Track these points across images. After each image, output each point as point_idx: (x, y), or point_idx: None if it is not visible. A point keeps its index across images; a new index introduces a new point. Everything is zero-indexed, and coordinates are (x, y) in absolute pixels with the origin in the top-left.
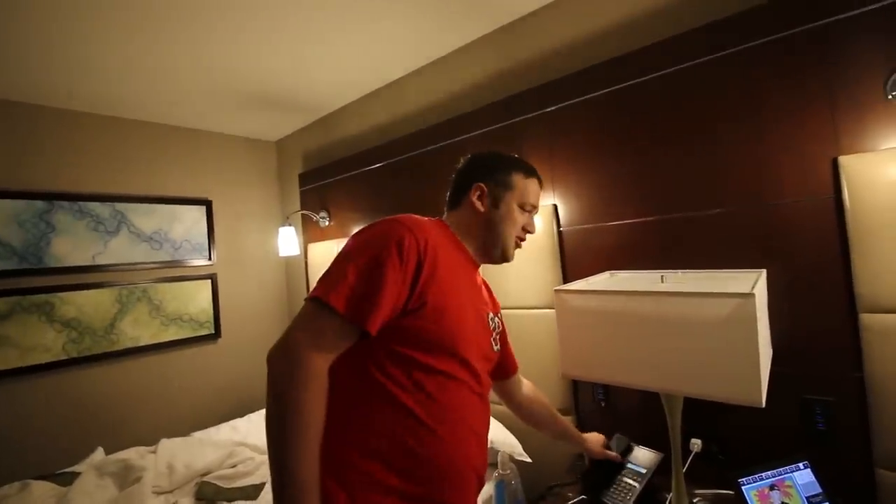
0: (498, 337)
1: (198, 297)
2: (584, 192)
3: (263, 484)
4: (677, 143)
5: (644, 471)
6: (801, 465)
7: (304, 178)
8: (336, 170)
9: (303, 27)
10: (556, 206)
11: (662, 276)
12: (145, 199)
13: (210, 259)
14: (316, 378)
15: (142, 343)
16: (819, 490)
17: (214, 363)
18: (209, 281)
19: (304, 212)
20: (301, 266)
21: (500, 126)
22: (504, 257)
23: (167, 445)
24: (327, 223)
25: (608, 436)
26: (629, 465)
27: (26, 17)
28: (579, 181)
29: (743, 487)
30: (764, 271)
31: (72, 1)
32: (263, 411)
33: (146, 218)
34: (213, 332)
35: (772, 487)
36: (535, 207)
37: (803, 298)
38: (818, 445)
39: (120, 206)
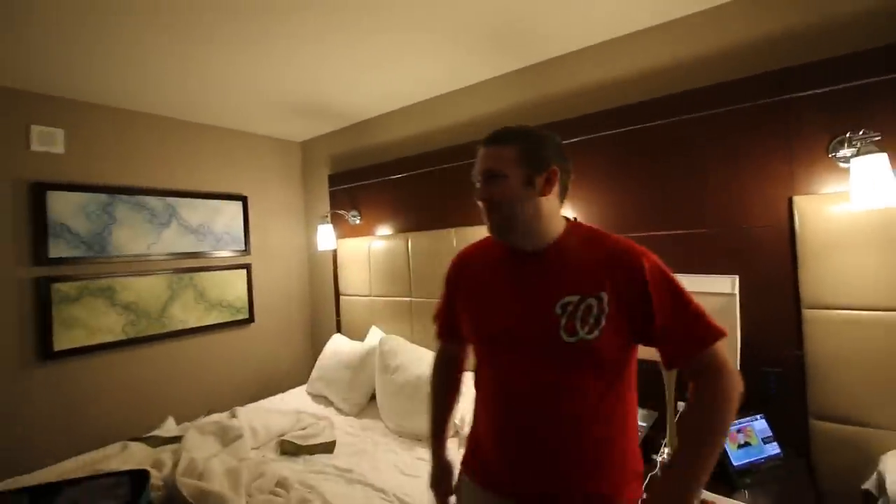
0: (575, 321)
1: (235, 285)
2: (597, 210)
3: (334, 441)
4: (673, 178)
5: (644, 424)
6: (757, 416)
7: (334, 179)
8: (368, 174)
9: (348, 50)
10: (575, 219)
11: None
12: (191, 193)
13: (246, 250)
14: None
15: (189, 326)
16: (770, 433)
17: (249, 345)
18: (245, 270)
19: (338, 211)
20: (323, 260)
21: None
22: (490, 232)
23: (244, 412)
24: (358, 221)
25: None
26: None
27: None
28: (594, 201)
29: None
30: (737, 276)
31: (142, 14)
32: (298, 388)
33: (193, 211)
34: (248, 317)
35: (738, 430)
36: (473, 176)
37: (763, 297)
38: (771, 403)
39: (171, 199)
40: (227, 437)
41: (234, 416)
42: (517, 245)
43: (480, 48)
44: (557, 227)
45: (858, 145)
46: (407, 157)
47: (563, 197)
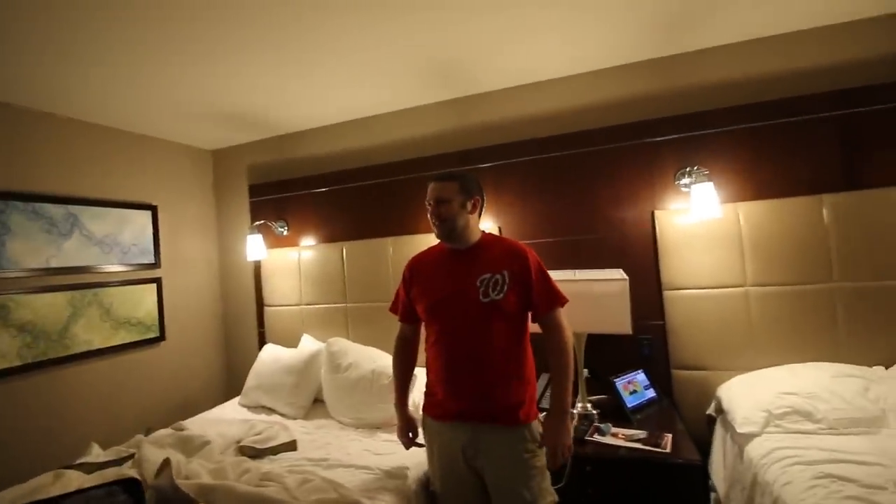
0: (489, 289)
1: (145, 300)
2: (518, 220)
3: (294, 440)
4: (571, 196)
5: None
6: (640, 371)
7: (256, 190)
8: (299, 185)
9: (275, 63)
10: (500, 229)
11: (575, 272)
12: (96, 202)
13: (156, 263)
14: None
15: (94, 347)
16: (648, 383)
17: (161, 364)
18: (155, 285)
19: (266, 222)
20: (239, 272)
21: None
22: (438, 237)
23: (191, 424)
24: (285, 232)
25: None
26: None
27: None
28: (517, 212)
29: (616, 382)
30: (621, 270)
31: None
32: (229, 403)
33: (98, 221)
34: (159, 334)
35: (629, 382)
36: (427, 201)
37: (636, 283)
38: (646, 362)
39: (73, 208)
40: (192, 446)
41: (181, 429)
42: (454, 245)
43: (418, 77)
44: (477, 234)
45: (695, 177)
46: (343, 170)
47: (480, 215)
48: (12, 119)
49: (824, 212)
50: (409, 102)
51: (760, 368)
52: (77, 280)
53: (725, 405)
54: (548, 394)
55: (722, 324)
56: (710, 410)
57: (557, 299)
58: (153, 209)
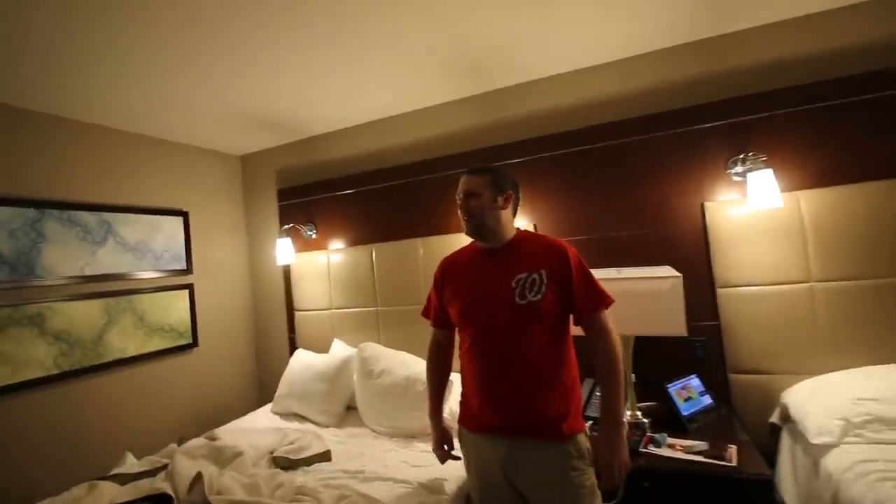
0: (525, 290)
1: (178, 307)
2: (554, 216)
3: (329, 450)
4: (613, 190)
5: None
6: (693, 376)
7: (284, 194)
8: (326, 188)
9: (301, 63)
10: (535, 226)
11: (619, 270)
12: (129, 209)
13: (188, 269)
14: None
15: (128, 354)
16: (703, 388)
17: (193, 371)
18: (187, 291)
19: (295, 225)
20: (270, 276)
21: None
22: (467, 234)
23: (223, 434)
24: (314, 235)
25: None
26: (597, 392)
27: (22, 18)
28: (552, 208)
29: (669, 388)
30: (669, 267)
31: (75, 10)
32: (261, 410)
33: (130, 228)
34: (192, 341)
35: (682, 388)
36: (457, 195)
37: (687, 281)
38: (699, 366)
39: (107, 215)
40: (224, 458)
41: (214, 438)
42: (486, 243)
43: (446, 73)
44: (512, 232)
45: (750, 164)
46: (370, 171)
47: (514, 212)
48: (46, 128)
49: (894, 197)
50: (436, 99)
51: (829, 372)
52: (111, 287)
53: (794, 413)
54: (592, 402)
55: (784, 323)
56: (774, 418)
57: (602, 300)
58: (184, 215)
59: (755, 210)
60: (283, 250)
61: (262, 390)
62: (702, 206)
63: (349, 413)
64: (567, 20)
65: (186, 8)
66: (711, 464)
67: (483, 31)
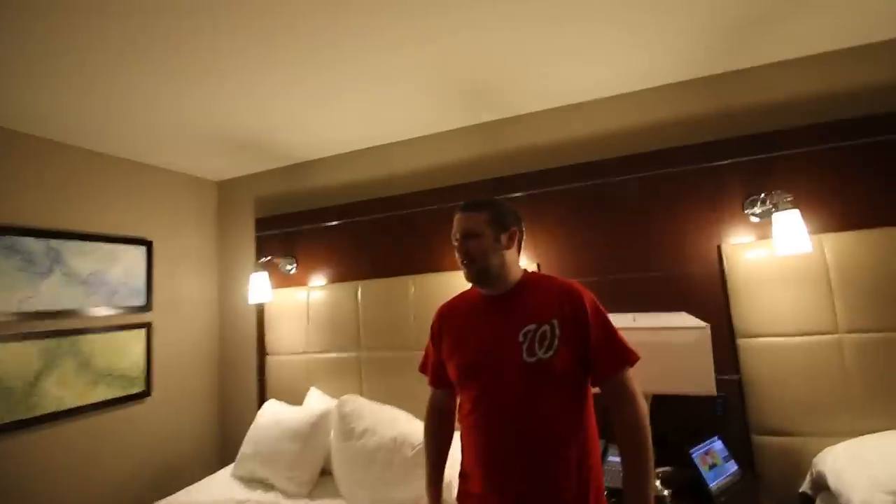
0: (534, 345)
1: (131, 349)
2: (559, 256)
3: None
4: (622, 229)
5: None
6: (716, 438)
7: (263, 224)
8: (311, 218)
9: (291, 83)
10: (539, 266)
11: (634, 317)
12: (83, 235)
13: (147, 306)
14: None
15: (66, 406)
16: (727, 452)
17: (144, 426)
18: (144, 330)
19: (273, 258)
20: (240, 315)
21: None
22: (468, 281)
23: None
24: (293, 270)
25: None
26: (610, 458)
27: None
28: (557, 247)
29: (693, 455)
30: (685, 313)
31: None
32: (220, 473)
33: (83, 258)
34: (144, 389)
35: (706, 453)
36: (453, 235)
37: None
38: (720, 426)
39: (55, 242)
40: None
41: None
42: (489, 289)
43: (445, 101)
44: (517, 274)
45: (777, 204)
46: (360, 201)
47: (519, 250)
48: None
49: None
50: (435, 127)
51: (861, 433)
52: (53, 326)
53: (833, 483)
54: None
55: (811, 378)
56: (805, 487)
57: (626, 356)
58: (148, 244)
59: (774, 254)
60: (259, 286)
61: (224, 448)
62: (718, 248)
63: (323, 479)
64: (576, 49)
65: (160, 16)
66: None
67: (487, 58)
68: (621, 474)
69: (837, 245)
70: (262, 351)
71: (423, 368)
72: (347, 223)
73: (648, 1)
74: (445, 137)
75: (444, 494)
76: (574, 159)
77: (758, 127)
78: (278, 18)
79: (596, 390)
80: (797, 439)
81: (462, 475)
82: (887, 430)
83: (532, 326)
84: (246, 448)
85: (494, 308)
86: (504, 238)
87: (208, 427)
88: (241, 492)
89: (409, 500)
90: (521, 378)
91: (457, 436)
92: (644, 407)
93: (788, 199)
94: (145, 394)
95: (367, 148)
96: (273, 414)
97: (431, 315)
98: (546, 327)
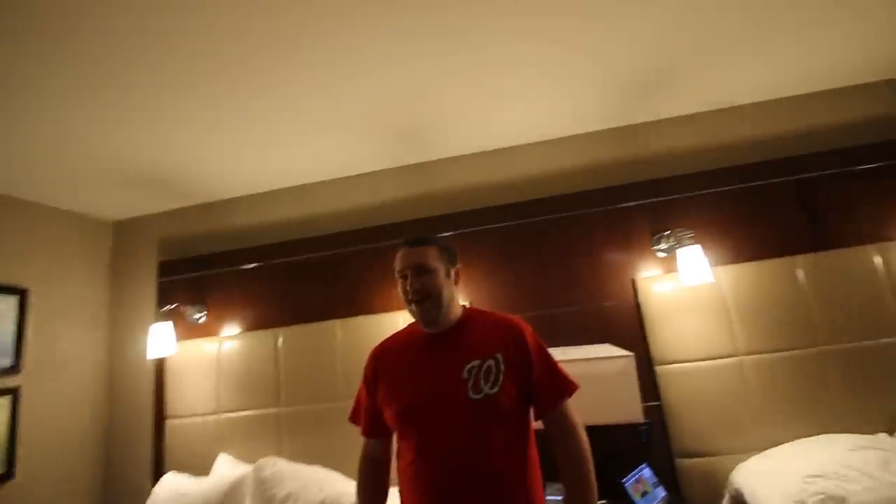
0: (479, 381)
1: None
2: (486, 294)
3: None
4: (547, 265)
5: (558, 498)
6: (643, 465)
7: (168, 268)
8: (223, 261)
9: (204, 115)
10: (469, 304)
11: (562, 349)
12: None
13: (15, 367)
14: None
15: None
16: (655, 479)
17: None
18: (9, 398)
19: (179, 306)
20: (132, 374)
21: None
22: (416, 320)
23: None
24: (202, 319)
25: None
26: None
27: None
28: (484, 286)
29: (625, 484)
30: (608, 345)
31: None
32: None
33: None
34: (5, 470)
35: (637, 481)
36: (399, 272)
37: None
38: (644, 453)
39: None
40: None
41: None
42: (433, 327)
43: (374, 140)
44: (459, 311)
45: (680, 240)
46: (280, 242)
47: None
48: None
49: (798, 273)
50: (362, 167)
51: (770, 446)
52: None
53: (749, 498)
54: None
55: (720, 399)
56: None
57: (567, 387)
58: (21, 293)
59: (680, 285)
60: (161, 338)
61: None
62: (633, 281)
63: None
64: (493, 100)
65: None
66: None
67: (414, 101)
68: None
69: (733, 276)
70: (160, 415)
71: (353, 418)
72: (266, 266)
73: (564, 58)
74: (372, 177)
75: None
76: (499, 201)
77: (659, 173)
78: (189, 41)
79: (538, 425)
80: (715, 459)
81: None
82: (791, 441)
83: (476, 362)
84: None
85: (436, 346)
86: (452, 273)
87: None
88: None
89: None
90: (468, 417)
91: (394, 491)
92: (586, 439)
93: (690, 235)
94: (6, 476)
95: (289, 187)
96: (174, 488)
97: (362, 360)
98: (491, 362)
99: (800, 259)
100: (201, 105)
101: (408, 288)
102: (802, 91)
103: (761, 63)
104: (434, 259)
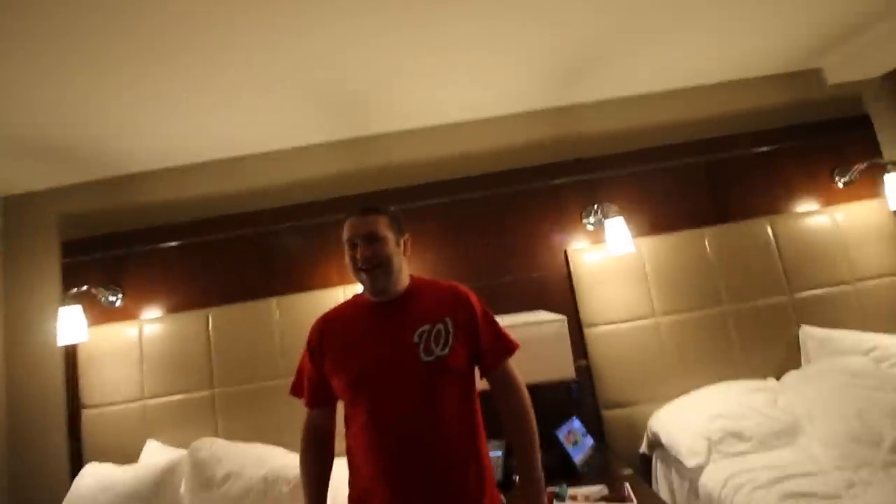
0: (430, 343)
1: None
2: (429, 267)
3: None
4: (487, 238)
5: (500, 453)
6: (574, 418)
7: (74, 247)
8: (142, 239)
9: (117, 77)
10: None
11: (502, 317)
12: None
13: None
14: None
15: None
16: (584, 429)
17: None
18: None
19: (90, 288)
20: (41, 364)
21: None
22: (366, 289)
23: None
24: (118, 303)
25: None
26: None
27: None
28: (427, 259)
29: (558, 435)
30: (544, 311)
31: None
32: None
33: None
34: None
35: (568, 432)
36: (349, 240)
37: None
38: (575, 407)
39: None
40: None
41: None
42: (382, 296)
43: (312, 112)
44: (407, 279)
45: (606, 213)
46: (208, 218)
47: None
48: None
49: (706, 242)
50: (298, 140)
51: (678, 396)
52: None
53: (665, 439)
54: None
55: (639, 355)
56: (643, 448)
57: (510, 346)
58: None
59: (611, 255)
60: (70, 323)
61: None
62: (565, 252)
63: None
64: (434, 76)
65: None
66: None
67: (355, 75)
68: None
69: (651, 246)
70: (75, 405)
71: (295, 391)
72: (192, 244)
73: (505, 37)
74: (311, 151)
75: None
76: (440, 177)
77: (587, 152)
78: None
79: (483, 385)
80: (635, 408)
81: (358, 500)
82: (698, 389)
83: (427, 327)
84: None
85: (385, 314)
86: (402, 243)
87: None
88: None
89: None
90: (421, 378)
91: (338, 462)
92: (528, 396)
93: (615, 209)
94: None
95: (217, 160)
96: (98, 480)
97: (302, 337)
98: (440, 326)
99: (707, 231)
100: (104, 65)
101: (357, 256)
102: (715, 80)
103: (680, 52)
104: (384, 227)
